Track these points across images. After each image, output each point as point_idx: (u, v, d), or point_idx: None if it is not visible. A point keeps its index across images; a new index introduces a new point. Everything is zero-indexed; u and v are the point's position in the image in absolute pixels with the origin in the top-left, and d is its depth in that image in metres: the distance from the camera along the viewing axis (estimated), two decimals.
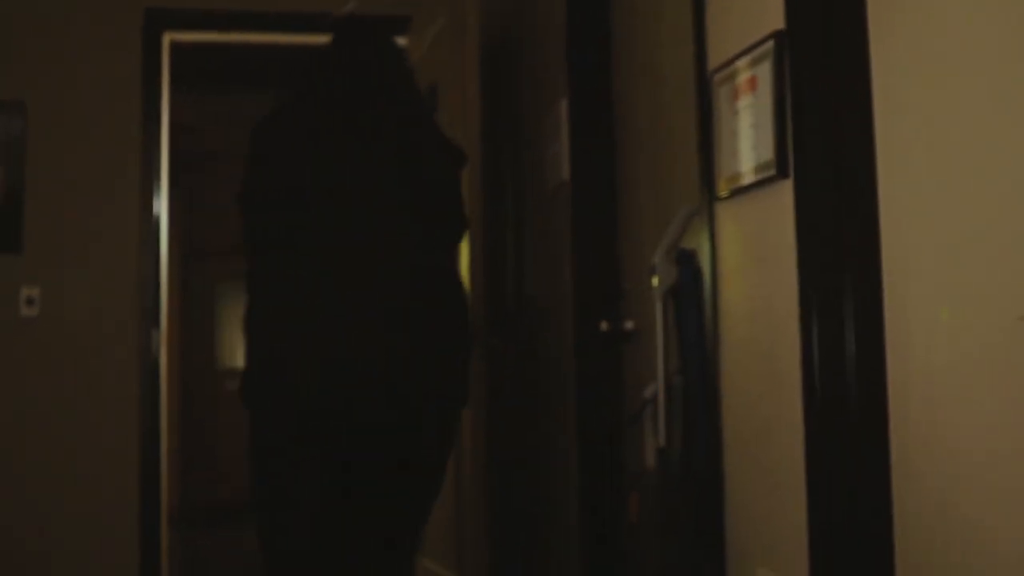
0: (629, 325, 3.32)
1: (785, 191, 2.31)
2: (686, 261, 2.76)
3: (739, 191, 2.50)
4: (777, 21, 2.33)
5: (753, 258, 2.49)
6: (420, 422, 2.75)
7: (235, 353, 9.63)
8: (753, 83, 2.43)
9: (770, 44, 2.35)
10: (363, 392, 2.65)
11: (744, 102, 2.47)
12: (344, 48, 2.80)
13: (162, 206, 4.75)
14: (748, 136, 2.45)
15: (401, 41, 4.95)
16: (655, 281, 2.83)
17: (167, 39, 4.85)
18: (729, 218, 2.58)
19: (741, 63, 2.48)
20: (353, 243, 2.64)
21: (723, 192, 2.57)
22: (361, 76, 2.76)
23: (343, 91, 2.75)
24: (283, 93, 2.82)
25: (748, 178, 2.45)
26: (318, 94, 2.78)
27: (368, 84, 2.76)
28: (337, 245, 2.65)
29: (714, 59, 2.63)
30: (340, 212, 2.66)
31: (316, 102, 2.77)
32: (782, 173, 2.31)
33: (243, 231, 2.75)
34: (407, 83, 2.83)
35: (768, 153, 2.35)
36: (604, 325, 3.35)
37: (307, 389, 2.64)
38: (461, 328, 2.83)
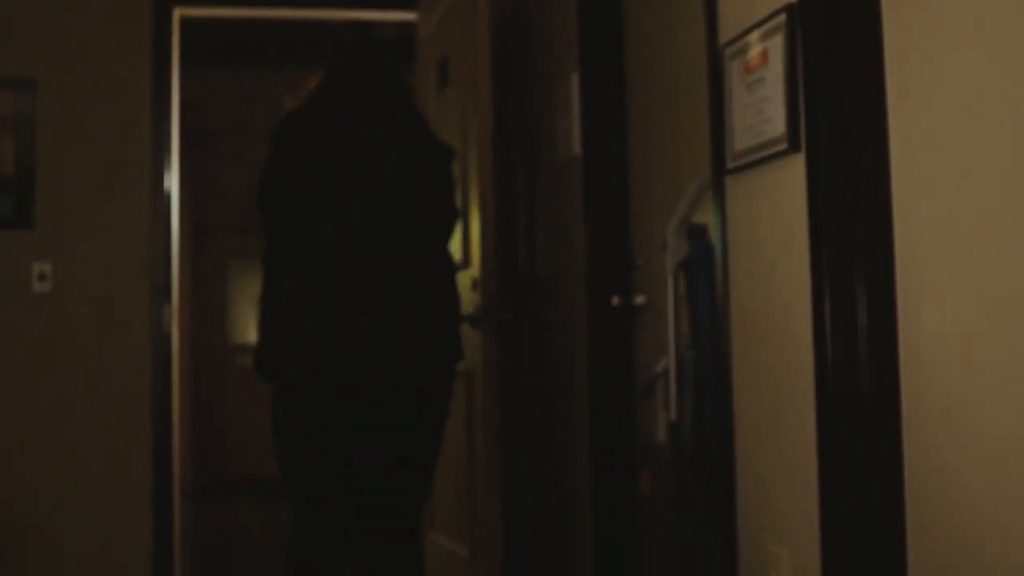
0: (640, 300, 3.32)
1: (797, 165, 2.30)
2: (697, 235, 2.76)
3: (750, 165, 2.49)
4: None
5: (764, 232, 2.48)
6: (417, 402, 3.05)
7: (246, 329, 9.65)
8: (764, 57, 2.42)
9: (781, 18, 2.34)
10: (368, 368, 2.96)
11: (755, 76, 2.46)
12: (351, 64, 3.21)
13: (172, 182, 4.75)
14: (759, 110, 2.44)
15: (410, 16, 4.94)
16: (667, 256, 2.84)
17: (177, 14, 4.84)
18: (740, 192, 2.58)
19: (752, 37, 2.47)
20: (359, 237, 2.98)
21: (734, 166, 2.57)
22: (366, 90, 3.16)
23: (350, 103, 3.13)
24: (303, 99, 3.23)
25: (759, 152, 2.44)
26: (329, 104, 3.14)
27: (371, 97, 3.15)
28: (345, 238, 2.98)
29: (725, 33, 2.62)
30: (348, 209, 2.99)
31: (327, 111, 3.13)
32: (793, 147, 2.30)
33: (262, 223, 3.08)
34: (405, 96, 3.22)
35: (779, 127, 2.35)
36: (615, 300, 3.36)
37: (320, 365, 2.95)
38: (454, 313, 3.15)
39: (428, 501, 3.26)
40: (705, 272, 2.72)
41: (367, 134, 3.08)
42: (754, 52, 2.46)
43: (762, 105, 2.43)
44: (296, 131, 3.10)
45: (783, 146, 2.33)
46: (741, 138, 2.53)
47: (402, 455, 3.07)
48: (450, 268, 3.15)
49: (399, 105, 3.18)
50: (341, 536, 3.04)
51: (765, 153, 2.41)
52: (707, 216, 2.74)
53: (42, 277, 4.64)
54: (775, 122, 2.37)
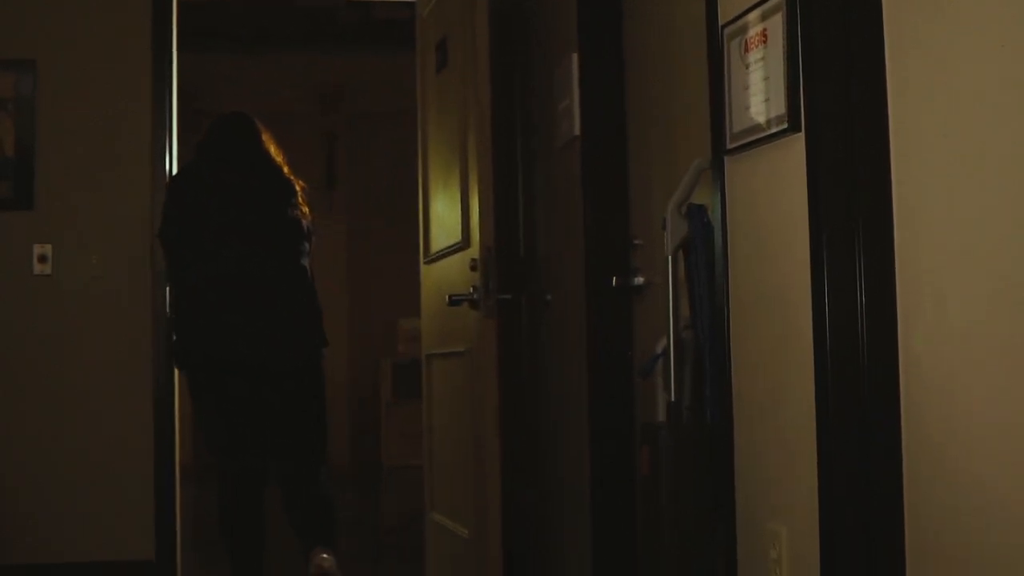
0: (639, 280, 3.32)
1: (796, 145, 2.31)
2: (697, 216, 2.76)
3: (750, 145, 2.50)
4: None
5: (764, 212, 2.49)
6: (292, 369, 4.10)
7: None
8: (764, 36, 2.42)
9: None
10: (252, 348, 4.00)
11: (755, 56, 2.46)
12: (225, 133, 4.24)
13: (173, 163, 4.75)
14: (759, 90, 2.45)
15: None
16: (666, 236, 2.84)
17: None
18: (740, 173, 2.58)
19: (752, 16, 2.47)
20: (237, 256, 4.00)
21: (734, 146, 2.57)
22: (234, 152, 4.20)
23: (223, 162, 4.16)
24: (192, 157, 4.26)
25: (759, 132, 2.45)
26: (209, 162, 4.17)
27: (239, 157, 4.19)
28: (227, 258, 4.00)
29: (725, 13, 2.62)
30: (227, 236, 4.00)
31: (207, 167, 4.16)
32: (794, 127, 2.31)
33: (162, 249, 4.18)
34: (264, 155, 4.23)
35: (779, 107, 2.35)
36: (615, 280, 3.36)
37: (218, 350, 4.00)
38: (310, 309, 4.13)
39: (325, 437, 4.20)
40: (704, 252, 2.72)
41: (235, 183, 4.09)
42: (754, 32, 2.47)
43: (762, 85, 2.43)
44: (184, 181, 4.17)
45: (783, 126, 2.33)
46: (741, 118, 2.53)
47: (288, 408, 4.09)
48: (303, 277, 4.12)
49: (257, 159, 4.19)
50: (255, 475, 4.06)
51: (765, 133, 2.42)
52: (706, 196, 2.74)
53: (42, 259, 4.65)
54: (775, 102, 2.37)
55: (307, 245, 4.17)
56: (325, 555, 4.01)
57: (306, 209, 4.23)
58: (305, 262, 4.13)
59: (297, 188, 4.22)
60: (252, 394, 4.05)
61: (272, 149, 4.26)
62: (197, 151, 4.23)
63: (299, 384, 4.12)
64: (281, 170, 4.23)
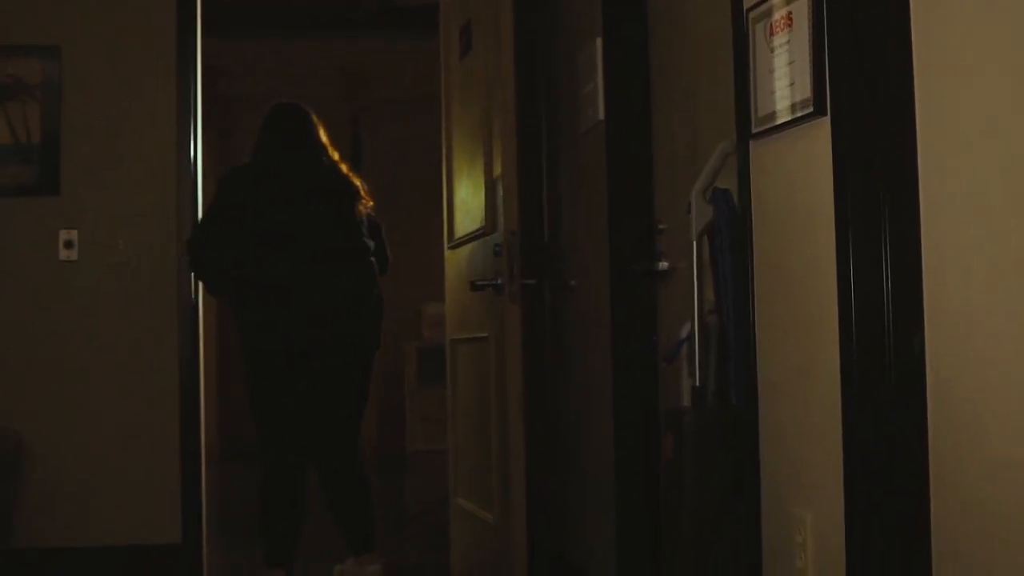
0: (664, 265, 3.32)
1: (822, 129, 2.29)
2: (721, 200, 2.75)
3: (775, 129, 2.48)
4: None
5: (789, 196, 2.48)
6: (349, 358, 4.25)
7: None
8: (789, 20, 2.40)
9: None
10: (308, 336, 4.17)
11: (780, 39, 2.45)
12: (281, 131, 4.33)
13: (198, 149, 4.76)
14: (784, 74, 2.43)
15: None
16: (691, 220, 2.83)
17: None
18: (765, 157, 2.57)
19: (777, 0, 2.46)
20: (298, 261, 4.14)
21: (759, 130, 2.56)
22: (293, 152, 4.31)
23: (282, 162, 4.28)
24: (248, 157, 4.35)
25: (784, 116, 2.43)
26: (265, 160, 4.29)
27: (298, 157, 4.30)
28: (287, 262, 4.14)
29: None
30: (287, 243, 4.14)
31: (263, 165, 4.28)
32: (819, 111, 2.29)
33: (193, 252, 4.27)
34: (321, 149, 4.33)
35: (805, 91, 2.34)
36: (639, 265, 3.35)
37: (292, 337, 4.17)
38: (369, 306, 4.26)
39: (361, 423, 4.37)
40: (729, 236, 2.71)
41: (295, 186, 4.20)
42: (779, 15, 2.45)
43: (787, 69, 2.42)
44: (239, 184, 4.24)
45: (808, 110, 2.32)
46: (766, 102, 2.52)
47: (343, 395, 4.25)
48: (368, 277, 4.26)
49: (317, 162, 4.28)
50: (303, 459, 4.25)
51: (790, 117, 2.40)
52: (731, 180, 2.73)
53: (68, 245, 4.67)
54: (800, 86, 2.36)
55: (372, 243, 4.29)
56: (375, 567, 4.29)
57: (370, 203, 4.35)
58: (371, 258, 4.27)
59: (357, 184, 4.32)
60: (314, 380, 4.19)
61: (328, 145, 4.37)
62: (256, 149, 4.32)
63: (355, 372, 4.28)
64: (339, 169, 4.33)
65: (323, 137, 4.37)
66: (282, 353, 4.16)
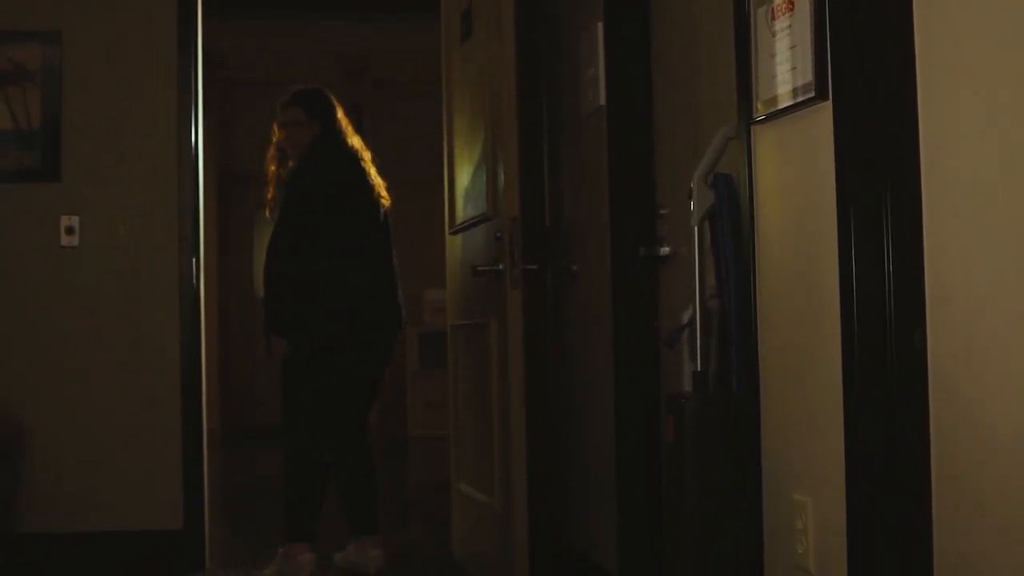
0: (665, 250, 3.31)
1: (824, 113, 2.29)
2: (723, 185, 2.75)
3: (777, 114, 2.48)
4: None
5: (791, 181, 2.47)
6: (383, 344, 4.66)
7: None
8: (791, 4, 2.40)
9: None
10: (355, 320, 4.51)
11: (782, 23, 2.44)
12: (331, 142, 4.64)
13: (199, 134, 4.75)
14: (786, 58, 2.42)
15: None
16: (692, 205, 2.82)
17: None
18: (767, 141, 2.57)
19: None
20: (361, 248, 4.55)
21: (761, 115, 2.55)
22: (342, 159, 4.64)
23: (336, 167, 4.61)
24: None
25: (786, 100, 2.43)
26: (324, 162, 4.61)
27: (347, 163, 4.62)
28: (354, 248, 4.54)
29: None
30: (353, 228, 4.54)
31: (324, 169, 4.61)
32: (821, 95, 2.29)
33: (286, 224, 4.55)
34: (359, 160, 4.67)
35: (807, 75, 2.33)
36: (641, 250, 3.35)
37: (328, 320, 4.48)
38: (393, 283, 4.68)
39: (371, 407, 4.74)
40: (731, 221, 2.71)
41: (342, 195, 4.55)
42: (780, 0, 2.44)
43: (788, 53, 2.41)
44: (314, 172, 4.58)
45: (810, 94, 2.32)
46: (768, 86, 2.51)
47: (371, 383, 4.66)
48: (391, 264, 4.68)
49: (358, 168, 4.60)
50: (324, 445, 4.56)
51: (792, 101, 2.40)
52: (733, 165, 2.73)
53: (69, 231, 4.66)
54: (802, 70, 2.35)
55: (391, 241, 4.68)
56: (376, 552, 4.57)
57: (388, 202, 4.66)
58: (395, 259, 4.68)
59: (378, 182, 4.63)
60: (350, 371, 4.54)
61: (348, 126, 4.69)
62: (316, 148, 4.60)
63: (382, 364, 4.68)
64: (365, 168, 4.62)
65: (341, 117, 4.65)
66: (345, 344, 4.47)
